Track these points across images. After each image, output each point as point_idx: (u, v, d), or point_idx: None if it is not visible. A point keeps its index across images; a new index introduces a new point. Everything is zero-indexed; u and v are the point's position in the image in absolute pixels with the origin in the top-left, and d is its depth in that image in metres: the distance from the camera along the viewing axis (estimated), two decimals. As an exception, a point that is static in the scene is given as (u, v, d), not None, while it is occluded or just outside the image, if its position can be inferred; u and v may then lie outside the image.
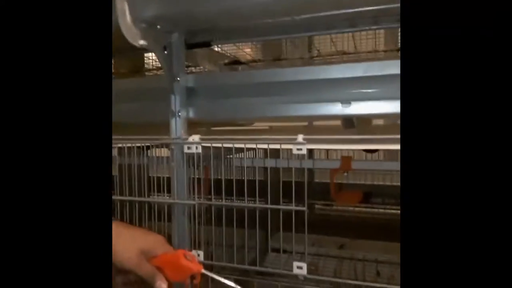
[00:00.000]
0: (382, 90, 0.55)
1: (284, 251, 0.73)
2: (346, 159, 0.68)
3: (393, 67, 0.54)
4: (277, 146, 0.60)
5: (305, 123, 0.90)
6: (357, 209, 0.94)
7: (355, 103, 0.57)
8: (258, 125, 0.95)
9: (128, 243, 0.43)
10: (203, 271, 0.43)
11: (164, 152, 0.72)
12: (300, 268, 0.58)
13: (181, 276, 0.43)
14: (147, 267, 0.43)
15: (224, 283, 0.44)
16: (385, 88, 0.55)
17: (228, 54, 0.79)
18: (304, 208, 0.58)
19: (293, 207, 0.59)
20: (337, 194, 0.81)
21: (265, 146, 0.60)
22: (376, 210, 0.93)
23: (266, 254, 0.90)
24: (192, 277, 0.43)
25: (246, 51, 0.77)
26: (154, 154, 0.71)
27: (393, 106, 0.55)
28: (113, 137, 0.72)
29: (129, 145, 0.67)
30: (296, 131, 0.71)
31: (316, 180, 0.95)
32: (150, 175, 0.72)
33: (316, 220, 0.63)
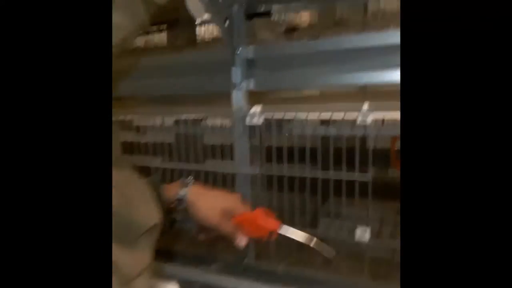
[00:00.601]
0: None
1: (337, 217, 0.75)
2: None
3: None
4: (341, 115, 0.60)
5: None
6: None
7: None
8: (307, 92, 0.95)
9: (211, 203, 0.47)
10: (282, 228, 0.45)
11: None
12: (364, 232, 0.59)
13: (259, 233, 0.46)
14: (228, 225, 0.47)
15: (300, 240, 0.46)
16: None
17: (285, 23, 0.78)
18: (368, 178, 0.58)
19: (356, 175, 0.59)
20: (397, 161, 0.80)
21: (328, 115, 0.61)
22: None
23: (319, 221, 0.92)
24: (271, 234, 0.46)
25: (303, 18, 0.76)
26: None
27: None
28: (178, 108, 0.76)
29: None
30: (348, 96, 0.70)
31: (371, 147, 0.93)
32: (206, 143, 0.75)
33: (373, 187, 0.64)
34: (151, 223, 0.35)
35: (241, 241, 0.47)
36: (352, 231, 0.62)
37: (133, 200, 0.34)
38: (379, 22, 0.81)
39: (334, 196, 0.65)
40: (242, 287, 0.65)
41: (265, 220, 0.46)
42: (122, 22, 0.31)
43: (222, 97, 0.68)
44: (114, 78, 0.30)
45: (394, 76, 0.57)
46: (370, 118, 0.58)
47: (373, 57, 0.58)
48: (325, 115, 0.61)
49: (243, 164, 0.65)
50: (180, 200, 0.48)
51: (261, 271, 0.67)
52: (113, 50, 0.30)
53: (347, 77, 0.61)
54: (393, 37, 0.56)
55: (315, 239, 0.45)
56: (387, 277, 0.62)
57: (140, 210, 0.35)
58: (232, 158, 0.68)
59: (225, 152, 0.71)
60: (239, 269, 0.68)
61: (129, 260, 0.32)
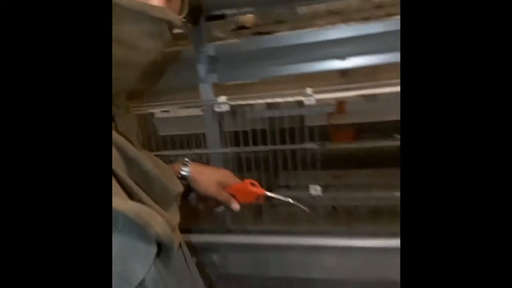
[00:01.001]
0: (375, 44, 0.69)
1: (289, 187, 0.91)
2: (341, 103, 0.84)
3: (380, 27, 0.68)
4: (290, 99, 0.74)
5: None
6: (350, 146, 1.12)
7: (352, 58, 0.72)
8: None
9: (209, 177, 0.58)
10: (266, 193, 0.58)
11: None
12: (315, 190, 0.75)
13: (249, 198, 0.59)
14: (223, 194, 0.59)
15: (283, 201, 0.59)
16: (378, 43, 0.69)
17: (235, 23, 0.90)
18: (316, 145, 0.74)
19: (306, 145, 0.75)
20: (334, 134, 0.98)
21: (280, 99, 0.75)
22: (368, 145, 1.11)
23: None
24: (257, 198, 0.59)
25: (248, 19, 0.89)
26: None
27: (386, 57, 0.70)
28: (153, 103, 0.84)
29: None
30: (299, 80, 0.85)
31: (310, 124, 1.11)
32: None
33: (314, 159, 0.80)
34: (179, 190, 0.43)
35: (235, 205, 0.59)
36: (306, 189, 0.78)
37: (165, 171, 0.42)
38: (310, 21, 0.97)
39: (284, 170, 0.80)
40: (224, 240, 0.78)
41: (252, 188, 0.59)
42: (155, 46, 0.34)
43: (186, 90, 0.79)
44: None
45: (327, 65, 0.74)
46: (312, 99, 0.74)
47: (315, 49, 0.74)
48: (279, 99, 0.76)
49: (215, 146, 0.77)
50: (183, 177, 0.58)
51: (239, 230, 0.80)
52: (143, 68, 0.34)
53: (290, 68, 0.76)
54: (323, 35, 0.72)
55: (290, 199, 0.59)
56: (335, 220, 0.80)
57: (172, 179, 0.43)
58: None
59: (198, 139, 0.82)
60: (222, 231, 0.80)
61: (171, 215, 0.40)
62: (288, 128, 0.77)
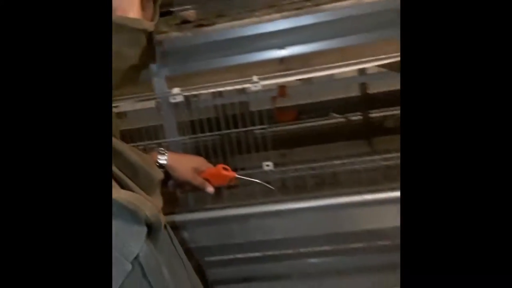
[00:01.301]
0: (308, 34, 0.79)
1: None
2: (282, 88, 0.94)
3: (312, 19, 0.77)
4: (239, 86, 0.82)
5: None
6: (294, 126, 1.24)
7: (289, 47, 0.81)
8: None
9: (185, 164, 0.64)
10: (237, 176, 0.66)
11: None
12: (268, 166, 0.85)
13: (222, 182, 0.66)
14: (198, 179, 0.65)
15: (253, 182, 0.66)
16: (311, 32, 0.79)
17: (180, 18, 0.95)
18: (266, 126, 0.84)
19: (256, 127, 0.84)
20: (279, 116, 1.08)
21: (230, 87, 0.83)
22: (309, 124, 1.24)
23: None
24: (229, 181, 0.66)
25: (191, 14, 0.95)
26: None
27: (319, 45, 0.80)
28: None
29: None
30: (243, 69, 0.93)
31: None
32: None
33: (264, 140, 0.89)
34: (160, 177, 0.48)
35: (210, 188, 0.66)
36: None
37: (146, 160, 0.46)
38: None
39: (239, 153, 0.89)
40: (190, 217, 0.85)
41: (225, 172, 0.66)
42: (134, 52, 0.38)
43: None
44: None
45: (267, 55, 0.82)
46: (259, 85, 0.82)
47: (251, 42, 0.82)
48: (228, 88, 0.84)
49: (172, 136, 0.83)
50: (161, 165, 0.63)
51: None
52: (122, 74, 0.38)
53: (236, 58, 0.84)
54: (263, 28, 0.80)
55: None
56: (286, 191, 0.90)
57: (153, 168, 0.47)
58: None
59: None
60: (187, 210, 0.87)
61: (156, 200, 0.45)
62: (240, 114, 0.85)
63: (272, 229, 0.81)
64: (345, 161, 0.98)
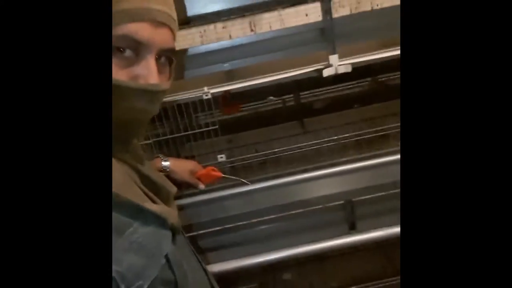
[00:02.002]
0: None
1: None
2: (226, 91, 1.11)
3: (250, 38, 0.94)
4: (193, 95, 0.98)
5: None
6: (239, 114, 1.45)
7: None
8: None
9: (183, 168, 0.79)
10: (223, 175, 0.82)
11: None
12: (221, 157, 1.05)
13: (211, 180, 0.82)
14: (193, 179, 0.81)
15: (234, 179, 0.83)
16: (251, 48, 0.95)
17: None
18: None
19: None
20: (225, 111, 1.28)
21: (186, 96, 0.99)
22: (251, 111, 1.46)
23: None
24: (217, 180, 0.82)
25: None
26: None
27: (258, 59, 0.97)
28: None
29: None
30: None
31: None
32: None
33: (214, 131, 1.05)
34: (174, 190, 0.54)
35: (201, 186, 0.82)
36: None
37: (161, 177, 0.54)
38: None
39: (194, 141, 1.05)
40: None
41: (213, 172, 0.81)
42: (155, 106, 0.44)
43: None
44: None
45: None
46: (209, 94, 0.99)
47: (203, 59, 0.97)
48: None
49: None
50: (165, 169, 0.75)
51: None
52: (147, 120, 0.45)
53: (193, 72, 0.98)
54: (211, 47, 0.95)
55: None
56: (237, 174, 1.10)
57: (167, 183, 0.54)
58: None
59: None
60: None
61: (174, 209, 0.51)
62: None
63: (230, 208, 1.02)
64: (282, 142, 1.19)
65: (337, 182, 1.07)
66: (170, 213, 0.47)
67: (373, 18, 0.92)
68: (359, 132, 1.16)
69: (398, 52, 0.95)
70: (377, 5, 0.88)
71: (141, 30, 0.40)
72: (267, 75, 0.99)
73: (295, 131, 1.40)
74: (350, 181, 1.06)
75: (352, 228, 1.10)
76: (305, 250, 1.00)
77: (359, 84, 1.57)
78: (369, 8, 0.88)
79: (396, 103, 1.42)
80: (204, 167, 0.84)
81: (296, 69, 0.98)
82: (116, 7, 0.39)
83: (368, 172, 1.04)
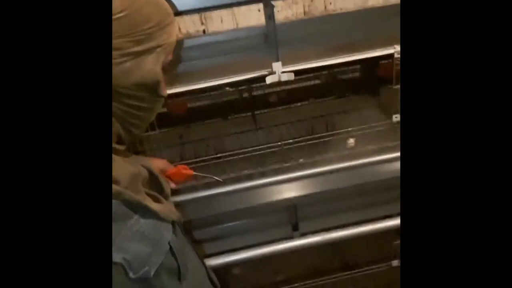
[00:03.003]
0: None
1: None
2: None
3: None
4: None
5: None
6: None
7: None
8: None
9: (155, 166, 0.72)
10: (194, 173, 0.78)
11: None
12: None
13: (182, 178, 0.77)
14: (163, 177, 0.75)
15: (206, 177, 0.81)
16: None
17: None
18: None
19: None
20: (172, 109, 1.23)
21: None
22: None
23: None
24: (188, 178, 0.78)
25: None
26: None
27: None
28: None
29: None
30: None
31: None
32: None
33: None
34: (168, 189, 0.60)
35: (172, 185, 0.77)
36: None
37: (163, 178, 0.61)
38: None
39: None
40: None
41: (184, 170, 0.77)
42: (160, 106, 0.51)
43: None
44: None
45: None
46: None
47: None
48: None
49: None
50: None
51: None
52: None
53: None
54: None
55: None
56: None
57: (166, 183, 0.60)
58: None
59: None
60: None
61: (172, 204, 0.56)
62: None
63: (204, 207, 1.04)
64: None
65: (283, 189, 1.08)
66: (170, 210, 0.52)
67: (319, 24, 0.89)
68: (309, 137, 1.18)
69: (345, 59, 0.94)
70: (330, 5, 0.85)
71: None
72: (213, 80, 0.95)
73: (248, 126, 1.38)
74: (295, 188, 1.08)
75: (295, 230, 1.12)
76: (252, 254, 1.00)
77: (315, 75, 1.55)
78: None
79: (350, 98, 1.43)
80: (175, 165, 0.80)
81: (241, 74, 0.95)
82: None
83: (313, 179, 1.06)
